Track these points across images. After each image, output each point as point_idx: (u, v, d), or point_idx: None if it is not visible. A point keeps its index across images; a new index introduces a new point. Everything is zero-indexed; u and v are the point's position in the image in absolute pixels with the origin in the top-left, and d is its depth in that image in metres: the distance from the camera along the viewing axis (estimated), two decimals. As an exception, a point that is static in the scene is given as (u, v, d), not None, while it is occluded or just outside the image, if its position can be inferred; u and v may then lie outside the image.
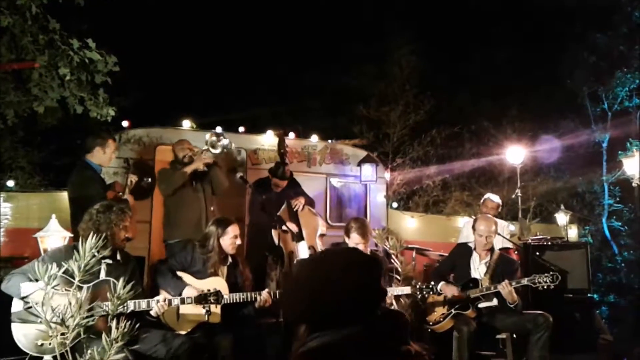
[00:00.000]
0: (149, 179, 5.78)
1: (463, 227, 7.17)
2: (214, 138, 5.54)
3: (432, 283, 4.78)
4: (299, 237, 5.75)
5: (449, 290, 4.89)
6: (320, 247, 5.93)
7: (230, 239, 4.40)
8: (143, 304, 3.65)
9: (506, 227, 6.76)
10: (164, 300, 3.74)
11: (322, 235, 6.13)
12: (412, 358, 1.63)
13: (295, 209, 5.88)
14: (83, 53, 5.66)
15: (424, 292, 4.75)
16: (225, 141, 5.55)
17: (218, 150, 5.55)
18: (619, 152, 11.09)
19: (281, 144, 6.36)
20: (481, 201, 6.95)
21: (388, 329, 1.69)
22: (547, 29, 13.45)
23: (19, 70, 5.91)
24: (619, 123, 12.45)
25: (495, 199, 6.72)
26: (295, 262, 5.17)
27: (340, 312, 1.65)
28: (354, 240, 4.75)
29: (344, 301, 1.65)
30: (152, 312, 3.73)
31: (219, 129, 7.57)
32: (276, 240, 5.49)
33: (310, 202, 6.26)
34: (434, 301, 5.02)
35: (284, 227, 5.48)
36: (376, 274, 1.79)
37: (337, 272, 1.69)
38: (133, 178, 5.28)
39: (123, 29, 11.07)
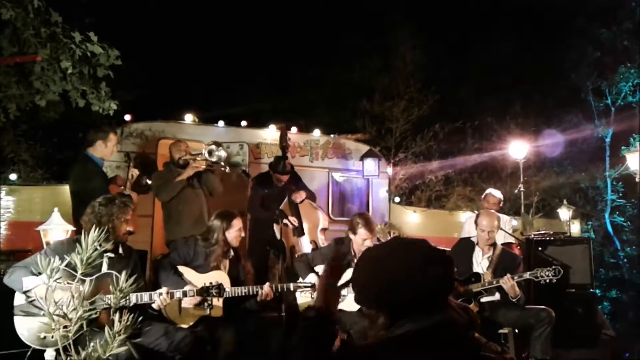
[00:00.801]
0: (152, 173, 5.77)
1: (465, 223, 7.16)
2: (213, 147, 5.54)
3: None
4: (300, 231, 5.75)
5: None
6: (321, 241, 5.93)
7: (235, 232, 4.42)
8: (145, 297, 3.65)
9: (509, 222, 6.74)
10: (167, 293, 3.74)
11: (323, 230, 6.13)
12: (486, 348, 1.67)
13: (296, 203, 5.88)
14: (85, 46, 5.65)
15: None
16: (222, 153, 5.54)
17: (214, 159, 5.53)
18: (622, 147, 11.07)
19: (283, 137, 6.36)
20: (482, 196, 6.94)
21: (465, 320, 1.69)
22: (551, 24, 13.41)
23: (21, 64, 5.90)
24: (622, 118, 12.41)
25: (497, 194, 6.70)
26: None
27: (422, 301, 1.68)
28: (362, 236, 4.72)
29: (427, 291, 1.69)
30: (154, 306, 3.73)
31: (221, 123, 7.59)
32: (278, 235, 5.49)
33: (311, 196, 6.25)
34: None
35: (285, 221, 5.47)
36: (452, 267, 1.85)
37: (419, 262, 1.73)
38: (134, 172, 5.27)
39: (125, 23, 11.06)
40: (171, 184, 5.42)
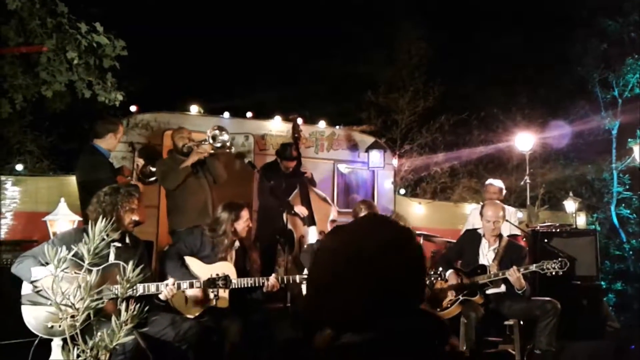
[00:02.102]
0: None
1: (469, 215, 7.14)
2: (217, 131, 5.50)
3: (440, 269, 4.77)
4: (310, 221, 5.76)
5: (454, 279, 4.90)
6: (330, 232, 5.94)
7: (244, 223, 4.44)
8: (152, 287, 3.67)
9: (514, 214, 6.72)
10: (173, 284, 3.76)
11: (333, 221, 6.15)
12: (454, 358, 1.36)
13: (307, 193, 5.89)
14: (91, 37, 5.65)
15: (432, 279, 4.75)
16: (226, 137, 5.51)
17: (218, 145, 5.50)
18: (629, 139, 11.01)
19: (295, 128, 6.36)
20: (484, 188, 6.86)
21: (430, 327, 1.32)
22: (558, 15, 13.31)
23: (27, 54, 5.91)
24: (629, 110, 12.33)
25: (497, 183, 6.55)
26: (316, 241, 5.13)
27: (377, 306, 1.28)
28: None
29: (382, 293, 1.28)
30: (161, 296, 3.75)
31: (226, 114, 7.59)
32: (287, 225, 5.49)
33: (310, 181, 6.27)
34: (442, 287, 5.02)
35: (293, 212, 5.49)
36: (420, 252, 1.38)
37: (375, 252, 1.29)
38: (139, 162, 5.29)
39: (131, 14, 11.04)
40: (176, 171, 5.40)
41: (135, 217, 3.73)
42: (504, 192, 6.57)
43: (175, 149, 5.67)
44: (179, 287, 3.84)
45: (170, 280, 3.78)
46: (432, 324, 1.34)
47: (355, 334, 1.25)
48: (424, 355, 1.26)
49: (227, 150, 5.59)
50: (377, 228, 1.36)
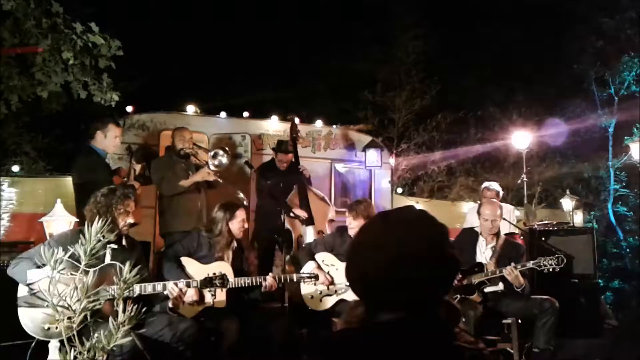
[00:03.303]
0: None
1: (468, 214, 7.14)
2: (220, 151, 5.54)
3: None
4: (309, 220, 5.76)
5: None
6: (328, 232, 5.94)
7: (239, 223, 4.43)
8: (149, 287, 3.66)
9: (512, 212, 6.72)
10: (175, 285, 3.78)
11: (331, 221, 6.15)
12: (460, 338, 1.42)
13: (306, 193, 5.88)
14: (86, 37, 5.61)
15: None
16: (225, 159, 5.53)
17: (215, 163, 5.53)
18: (626, 137, 11.03)
19: (293, 128, 6.36)
20: (480, 190, 6.82)
21: (445, 319, 1.42)
22: (554, 13, 13.32)
23: (22, 55, 5.87)
24: (625, 107, 12.36)
25: (494, 186, 6.49)
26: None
27: (409, 294, 1.40)
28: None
29: (419, 283, 1.40)
30: (170, 304, 3.76)
31: (223, 114, 7.58)
32: (285, 224, 5.49)
33: (308, 179, 6.27)
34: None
35: (291, 214, 5.49)
36: (448, 244, 1.49)
37: (412, 247, 1.42)
38: (137, 167, 5.26)
39: (126, 13, 11.02)
40: (175, 180, 5.40)
41: (131, 220, 3.72)
42: (501, 194, 6.55)
43: (174, 148, 5.65)
44: (188, 285, 3.86)
45: (169, 283, 3.78)
46: (453, 313, 1.45)
47: (387, 313, 1.39)
48: (443, 340, 1.38)
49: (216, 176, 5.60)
50: (425, 224, 1.48)
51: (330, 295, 4.73)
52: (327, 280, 4.71)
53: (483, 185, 6.71)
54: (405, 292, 1.39)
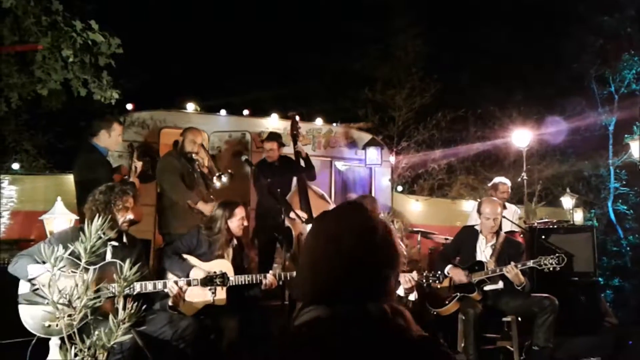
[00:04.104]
0: (154, 163, 5.76)
1: (472, 211, 7.14)
2: (226, 175, 5.63)
3: (439, 273, 4.69)
4: (308, 219, 5.76)
5: (456, 274, 4.88)
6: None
7: (237, 221, 4.43)
8: (149, 285, 3.66)
9: (516, 213, 6.73)
10: (175, 283, 3.78)
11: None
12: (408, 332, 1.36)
13: (306, 192, 5.88)
14: (86, 35, 5.61)
15: (430, 281, 4.72)
16: (225, 180, 5.61)
17: (217, 183, 5.65)
18: (626, 135, 11.02)
19: (294, 125, 6.34)
20: (490, 184, 6.79)
21: (377, 315, 1.36)
22: (553, 12, 13.32)
23: (22, 53, 5.88)
24: (625, 106, 12.34)
25: (508, 182, 6.58)
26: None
27: (337, 286, 1.39)
28: None
29: (341, 271, 1.39)
30: (170, 302, 3.76)
31: (223, 112, 7.58)
32: (285, 222, 5.49)
33: (310, 176, 6.28)
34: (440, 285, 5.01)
35: (291, 215, 5.49)
36: (386, 241, 1.46)
37: (334, 232, 1.43)
38: (138, 165, 5.26)
39: (127, 11, 11.01)
40: (183, 188, 5.40)
41: (130, 216, 3.72)
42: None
43: (182, 149, 5.62)
44: (189, 284, 3.86)
45: (169, 282, 3.78)
46: (379, 313, 1.36)
47: (311, 312, 1.37)
48: (366, 340, 1.32)
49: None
50: (350, 215, 1.49)
51: None
52: None
53: (496, 181, 6.63)
54: (327, 287, 1.39)
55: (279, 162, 6.23)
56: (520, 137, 8.23)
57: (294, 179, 6.25)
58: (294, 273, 4.51)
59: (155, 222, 6.39)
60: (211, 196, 5.56)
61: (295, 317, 1.43)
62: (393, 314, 1.37)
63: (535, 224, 6.71)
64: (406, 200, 9.49)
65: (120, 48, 5.87)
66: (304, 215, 5.64)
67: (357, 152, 8.16)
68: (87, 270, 2.79)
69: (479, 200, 5.75)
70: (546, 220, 7.08)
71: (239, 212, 4.44)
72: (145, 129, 6.98)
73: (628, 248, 11.78)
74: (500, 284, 4.89)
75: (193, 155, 5.58)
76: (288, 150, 6.59)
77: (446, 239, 6.79)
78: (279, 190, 5.48)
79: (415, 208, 9.35)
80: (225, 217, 4.40)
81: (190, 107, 7.46)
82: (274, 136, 6.28)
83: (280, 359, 1.36)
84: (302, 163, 6.22)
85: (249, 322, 4.15)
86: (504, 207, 6.44)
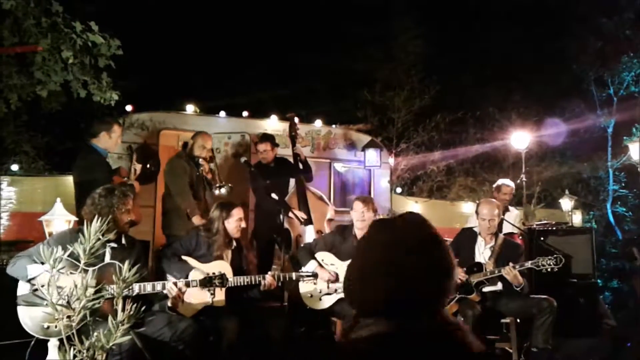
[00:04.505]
0: (154, 164, 5.77)
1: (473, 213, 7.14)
2: (219, 186, 5.64)
3: None
4: (307, 220, 5.78)
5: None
6: (327, 231, 5.95)
7: (235, 222, 4.42)
8: (148, 286, 3.66)
9: (518, 216, 6.74)
10: (174, 284, 3.78)
11: (330, 220, 6.15)
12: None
13: (304, 193, 5.89)
14: (86, 36, 5.62)
15: None
16: (223, 191, 5.62)
17: (216, 192, 5.67)
18: (625, 137, 11.03)
19: (292, 126, 6.36)
20: (494, 187, 6.80)
21: (436, 330, 1.36)
22: (553, 14, 13.34)
23: (22, 54, 5.88)
24: (624, 108, 12.36)
25: (511, 184, 6.63)
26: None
27: (395, 300, 1.36)
28: (358, 210, 4.86)
29: (404, 287, 1.37)
30: (169, 303, 3.76)
31: (222, 113, 7.58)
32: (283, 224, 5.50)
33: (308, 177, 6.28)
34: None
35: (290, 214, 5.50)
36: (446, 258, 1.46)
37: (401, 249, 1.40)
38: (137, 167, 5.27)
39: (126, 12, 11.01)
40: (189, 193, 5.49)
41: (131, 217, 3.73)
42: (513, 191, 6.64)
43: (191, 151, 5.69)
44: (188, 285, 3.86)
45: (168, 282, 3.78)
46: (439, 328, 1.35)
47: (370, 327, 1.34)
48: (448, 348, 1.31)
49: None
50: (409, 226, 1.47)
51: (330, 294, 4.74)
52: (331, 276, 4.70)
53: (500, 183, 6.68)
54: (388, 302, 1.36)
55: (275, 164, 6.25)
56: (519, 139, 8.24)
57: (292, 181, 6.26)
58: (293, 275, 4.51)
59: (155, 224, 6.40)
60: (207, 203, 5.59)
61: (348, 330, 1.39)
62: (453, 327, 1.37)
63: (534, 226, 6.71)
64: (405, 202, 9.49)
65: (120, 49, 5.88)
66: (302, 216, 5.65)
67: (356, 153, 8.15)
68: (86, 271, 2.79)
69: (477, 202, 5.75)
70: (545, 222, 7.08)
71: (236, 213, 4.44)
72: (145, 130, 6.98)
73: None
74: (499, 286, 4.89)
75: (200, 160, 5.61)
76: (287, 151, 6.60)
77: (445, 240, 6.79)
78: (276, 191, 5.50)
79: (414, 210, 9.34)
80: (222, 218, 4.40)
81: (190, 108, 7.46)
82: (267, 137, 6.30)
83: None
84: (300, 165, 6.23)
85: (248, 323, 4.15)
86: (507, 210, 6.48)
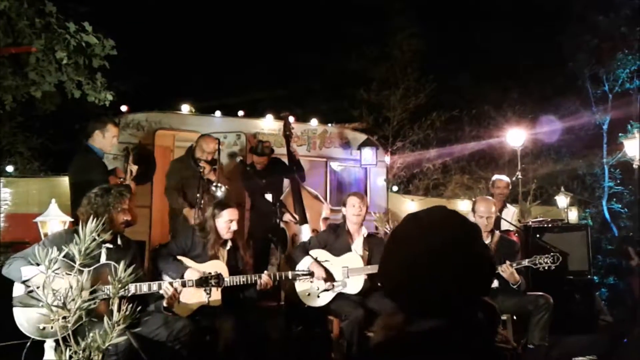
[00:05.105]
0: (150, 165, 5.78)
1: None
2: (215, 186, 5.68)
3: None
4: (302, 219, 5.79)
5: None
6: (323, 230, 5.95)
7: (224, 222, 4.37)
8: (144, 287, 3.66)
9: (514, 214, 6.76)
10: (170, 284, 3.78)
11: (325, 219, 6.15)
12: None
13: (299, 191, 5.91)
14: (80, 37, 5.60)
15: None
16: (219, 193, 5.65)
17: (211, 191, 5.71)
18: (620, 134, 11.05)
19: (286, 126, 6.36)
20: (490, 183, 6.87)
21: (485, 322, 1.40)
22: (548, 11, 13.35)
23: (16, 55, 5.86)
24: (619, 105, 12.38)
25: (505, 178, 6.71)
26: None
27: (449, 297, 1.36)
28: (351, 204, 4.89)
29: (464, 281, 1.36)
30: (165, 303, 3.76)
31: (218, 113, 7.58)
32: (279, 223, 5.51)
33: (301, 176, 6.31)
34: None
35: (284, 218, 5.52)
36: (488, 249, 1.47)
37: (450, 246, 1.38)
38: (133, 168, 5.26)
39: (120, 12, 10.99)
40: (175, 193, 5.76)
41: (127, 217, 3.72)
42: (510, 186, 6.69)
43: (193, 154, 5.83)
44: (183, 285, 3.86)
45: (164, 283, 3.78)
46: (492, 315, 1.42)
47: (428, 321, 1.34)
48: (481, 347, 1.34)
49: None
50: (450, 221, 1.45)
51: (328, 290, 4.74)
52: (324, 274, 4.69)
53: (494, 178, 6.81)
54: (442, 296, 1.35)
55: (270, 164, 6.29)
56: (515, 137, 8.25)
57: (286, 180, 6.28)
58: (289, 274, 4.50)
59: (150, 224, 6.42)
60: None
61: (402, 325, 1.39)
62: (496, 320, 1.39)
63: (530, 223, 6.72)
64: (401, 200, 9.50)
65: (114, 50, 5.87)
66: (293, 219, 5.68)
67: (352, 152, 8.16)
68: (81, 272, 2.78)
69: (473, 199, 5.76)
70: (541, 219, 7.09)
71: (227, 213, 4.39)
72: (140, 130, 6.97)
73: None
74: (496, 283, 4.90)
75: (201, 162, 5.64)
76: (281, 151, 6.61)
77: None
78: (271, 191, 5.51)
79: (410, 208, 9.35)
80: (213, 216, 4.40)
81: (185, 108, 7.46)
82: (265, 152, 6.33)
83: None
84: (294, 165, 6.26)
85: (245, 323, 4.14)
86: (505, 207, 6.51)
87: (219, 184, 5.64)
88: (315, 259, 4.76)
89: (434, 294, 1.36)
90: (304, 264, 4.72)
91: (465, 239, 1.41)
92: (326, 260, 4.79)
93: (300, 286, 4.75)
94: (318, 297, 4.75)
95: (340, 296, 4.68)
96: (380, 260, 1.51)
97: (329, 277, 4.71)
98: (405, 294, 1.42)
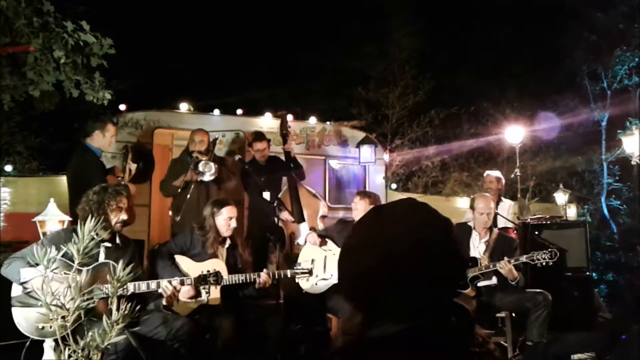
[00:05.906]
0: (148, 163, 5.77)
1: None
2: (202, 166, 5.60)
3: None
4: (300, 218, 5.80)
5: None
6: (321, 228, 5.96)
7: (224, 220, 4.38)
8: (143, 286, 3.66)
9: (511, 207, 6.77)
10: (169, 283, 3.78)
11: (323, 217, 6.16)
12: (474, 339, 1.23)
13: (297, 190, 5.92)
14: (78, 36, 5.59)
15: None
16: (212, 169, 5.62)
17: (205, 178, 5.60)
18: (618, 130, 11.07)
19: (283, 124, 6.36)
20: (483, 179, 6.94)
21: (459, 327, 1.23)
22: (546, 8, 13.36)
23: (14, 54, 5.85)
24: (618, 101, 12.42)
25: (494, 173, 6.72)
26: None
27: (414, 296, 1.22)
28: (356, 204, 4.98)
29: (425, 280, 1.22)
30: (164, 301, 3.76)
31: (216, 112, 7.57)
32: (277, 222, 5.51)
33: (300, 174, 6.33)
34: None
35: (282, 217, 5.55)
36: (454, 238, 1.31)
37: (411, 241, 1.23)
38: (132, 167, 5.26)
39: (118, 11, 10.97)
40: (170, 183, 5.68)
41: (124, 216, 3.71)
42: (503, 181, 6.68)
43: (187, 149, 5.82)
44: (182, 283, 3.86)
45: (163, 282, 3.78)
46: (462, 318, 1.24)
47: (390, 325, 1.22)
48: (451, 350, 1.20)
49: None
50: (416, 217, 1.31)
51: (326, 279, 4.76)
52: (318, 240, 5.01)
53: (484, 174, 6.85)
54: (406, 297, 1.22)
55: (268, 162, 6.27)
56: (513, 134, 8.25)
57: (284, 178, 6.28)
58: (288, 272, 4.51)
59: (149, 223, 6.42)
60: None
61: (360, 329, 1.26)
62: (470, 324, 1.26)
63: (529, 220, 6.72)
64: (400, 197, 9.50)
65: (112, 49, 5.86)
66: (289, 219, 5.72)
67: (350, 150, 8.15)
68: (80, 271, 2.79)
69: (472, 196, 5.77)
70: (539, 216, 7.10)
71: (226, 211, 4.40)
72: (139, 129, 6.96)
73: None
74: (494, 280, 4.91)
75: (194, 154, 5.65)
76: (279, 149, 6.61)
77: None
78: (269, 189, 5.52)
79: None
80: (211, 214, 4.40)
81: (184, 107, 7.45)
82: (263, 136, 6.34)
83: None
84: (291, 163, 6.26)
85: (244, 321, 4.15)
86: (500, 201, 6.52)
87: (209, 162, 5.61)
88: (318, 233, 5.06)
89: (395, 294, 1.22)
90: (303, 230, 4.82)
91: (433, 233, 1.26)
92: (329, 250, 4.89)
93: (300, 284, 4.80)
94: (316, 284, 4.81)
95: (339, 293, 4.69)
96: (339, 257, 1.34)
97: (323, 242, 4.97)
98: (363, 295, 1.27)
